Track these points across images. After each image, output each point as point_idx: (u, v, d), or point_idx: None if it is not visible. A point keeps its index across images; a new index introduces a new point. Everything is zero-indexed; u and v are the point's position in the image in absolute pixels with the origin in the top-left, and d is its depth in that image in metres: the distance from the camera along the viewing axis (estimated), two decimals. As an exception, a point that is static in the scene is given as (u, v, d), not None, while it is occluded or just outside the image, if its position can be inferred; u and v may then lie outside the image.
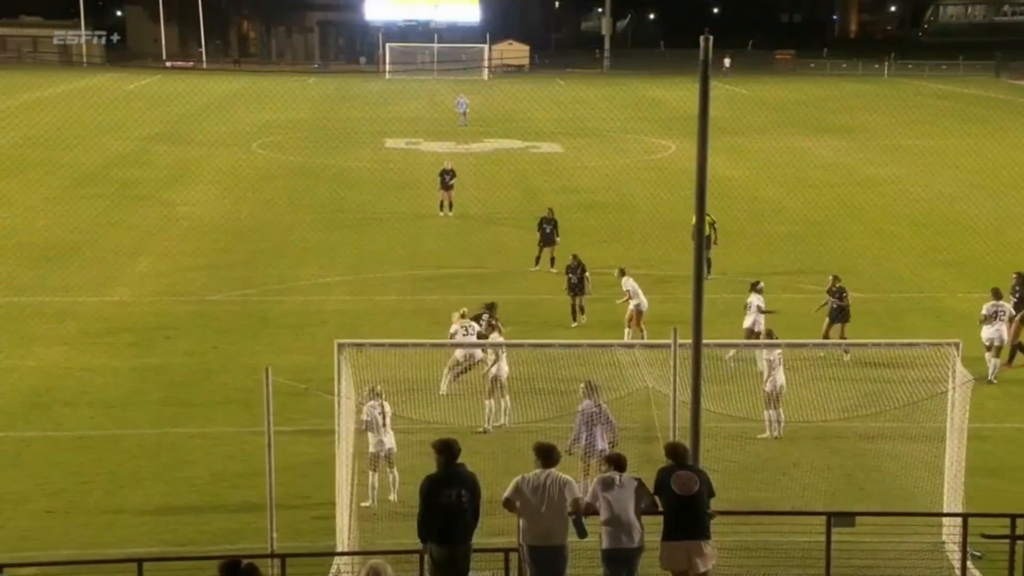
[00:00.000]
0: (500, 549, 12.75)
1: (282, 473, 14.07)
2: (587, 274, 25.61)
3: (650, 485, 12.11)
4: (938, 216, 38.78)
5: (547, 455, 12.08)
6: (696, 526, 11.91)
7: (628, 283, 24.40)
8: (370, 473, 16.24)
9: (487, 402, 19.18)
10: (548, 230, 30.38)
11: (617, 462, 12.26)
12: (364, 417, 16.05)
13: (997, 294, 22.68)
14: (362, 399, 15.92)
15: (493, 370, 19.21)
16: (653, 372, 15.33)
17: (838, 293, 23.82)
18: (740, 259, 31.12)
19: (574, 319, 25.59)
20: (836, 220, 38.26)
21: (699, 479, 12.03)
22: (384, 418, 16.30)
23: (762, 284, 23.91)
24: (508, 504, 12.01)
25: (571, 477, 12.29)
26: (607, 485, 12.07)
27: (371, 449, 16.23)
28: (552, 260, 30.21)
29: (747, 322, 23.01)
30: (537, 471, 11.99)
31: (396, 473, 16.40)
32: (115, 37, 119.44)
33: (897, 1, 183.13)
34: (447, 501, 11.78)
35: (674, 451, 12.24)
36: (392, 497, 16.34)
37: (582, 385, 16.58)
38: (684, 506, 11.89)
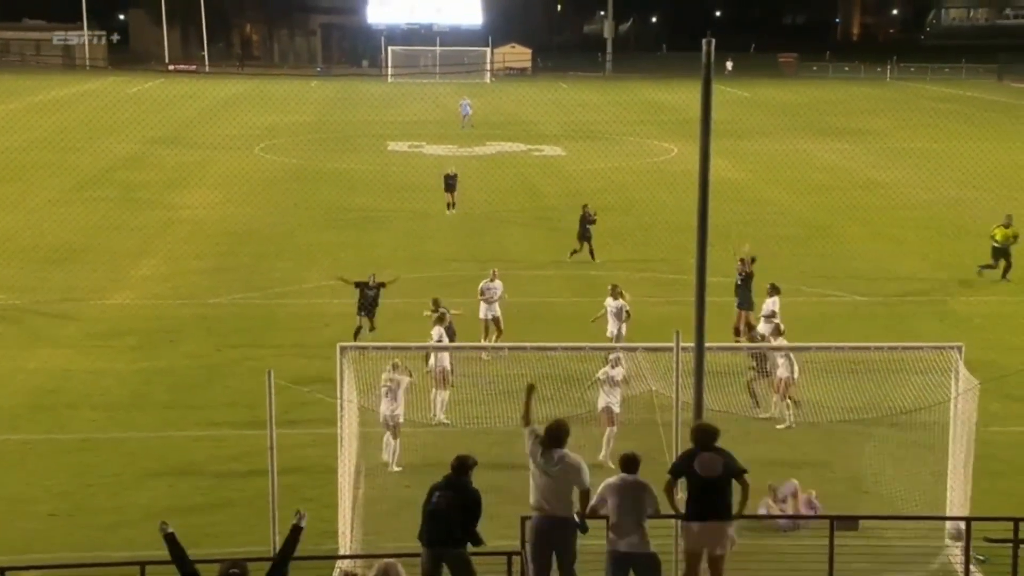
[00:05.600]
0: (503, 552, 12.74)
1: (285, 475, 14.07)
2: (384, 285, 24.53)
3: (661, 483, 12.15)
4: (941, 219, 38.75)
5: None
6: (718, 508, 12.00)
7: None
8: (386, 433, 17.48)
9: (436, 392, 19.44)
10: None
11: (628, 463, 12.27)
12: (381, 384, 17.31)
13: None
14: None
15: (432, 362, 19.43)
16: (657, 376, 15.31)
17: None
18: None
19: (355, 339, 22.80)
20: (839, 223, 38.25)
21: (723, 461, 12.08)
22: (390, 390, 17.34)
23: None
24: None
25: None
26: (615, 488, 12.08)
27: (382, 411, 17.39)
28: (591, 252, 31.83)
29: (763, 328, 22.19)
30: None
31: (398, 445, 17.45)
32: (115, 37, 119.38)
33: (900, 4, 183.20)
34: (432, 502, 12.05)
35: (701, 433, 12.29)
36: (393, 468, 17.29)
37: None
38: (707, 488, 11.97)
